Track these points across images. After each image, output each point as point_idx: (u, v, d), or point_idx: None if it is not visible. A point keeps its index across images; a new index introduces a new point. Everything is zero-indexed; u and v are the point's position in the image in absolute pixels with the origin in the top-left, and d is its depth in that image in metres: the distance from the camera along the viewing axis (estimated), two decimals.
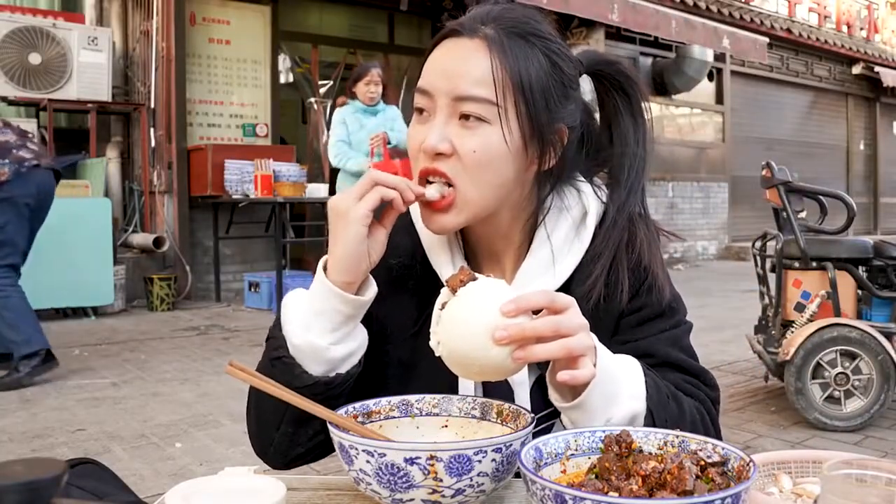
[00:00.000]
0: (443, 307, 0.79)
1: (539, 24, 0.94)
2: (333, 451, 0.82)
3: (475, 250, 1.02)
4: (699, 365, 0.96)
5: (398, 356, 1.00)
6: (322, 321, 0.87)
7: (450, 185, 0.90)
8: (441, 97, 0.90)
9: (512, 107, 0.90)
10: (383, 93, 5.28)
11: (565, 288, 0.94)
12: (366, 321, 0.93)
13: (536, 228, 0.97)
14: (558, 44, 0.95)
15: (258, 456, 0.96)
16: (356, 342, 0.90)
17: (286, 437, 0.91)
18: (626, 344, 0.93)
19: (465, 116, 0.90)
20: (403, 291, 1.00)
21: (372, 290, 0.90)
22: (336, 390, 0.88)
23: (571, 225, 0.97)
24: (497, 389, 0.93)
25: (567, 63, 0.95)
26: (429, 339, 0.87)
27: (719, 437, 0.89)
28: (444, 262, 0.98)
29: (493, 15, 0.93)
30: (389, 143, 5.11)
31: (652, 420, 0.83)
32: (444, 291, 0.80)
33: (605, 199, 0.99)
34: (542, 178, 0.96)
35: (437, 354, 0.79)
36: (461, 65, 0.90)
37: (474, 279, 0.78)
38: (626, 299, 0.94)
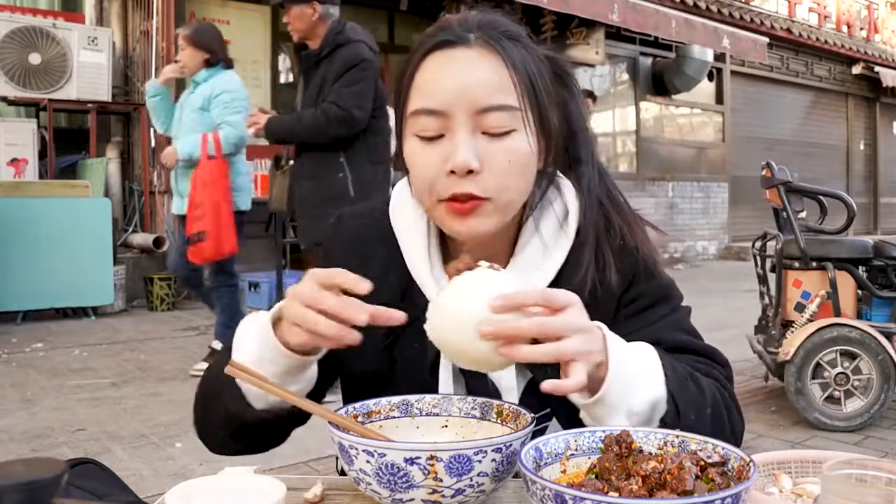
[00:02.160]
0: None
1: (520, 28, 0.92)
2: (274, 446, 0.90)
3: (454, 255, 0.96)
4: (707, 344, 0.95)
5: (370, 369, 0.95)
6: (265, 366, 0.81)
7: (478, 198, 0.86)
8: (459, 113, 0.85)
9: (530, 109, 0.88)
10: (209, 60, 3.94)
11: (555, 283, 0.92)
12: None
13: (522, 226, 0.95)
14: (542, 44, 0.95)
15: (200, 438, 0.96)
16: (302, 384, 0.84)
17: (227, 440, 0.92)
18: (630, 334, 0.88)
19: (489, 128, 0.86)
20: (375, 304, 0.96)
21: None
22: (282, 419, 0.87)
23: (556, 220, 0.95)
24: (482, 394, 0.89)
25: (562, 59, 0.96)
26: (402, 348, 0.87)
27: (740, 414, 0.90)
28: (424, 274, 0.94)
29: (478, 22, 0.89)
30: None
31: (674, 403, 0.80)
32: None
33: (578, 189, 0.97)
34: (539, 176, 0.94)
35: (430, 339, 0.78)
36: (475, 75, 0.86)
37: (471, 269, 0.77)
38: (617, 280, 0.92)
